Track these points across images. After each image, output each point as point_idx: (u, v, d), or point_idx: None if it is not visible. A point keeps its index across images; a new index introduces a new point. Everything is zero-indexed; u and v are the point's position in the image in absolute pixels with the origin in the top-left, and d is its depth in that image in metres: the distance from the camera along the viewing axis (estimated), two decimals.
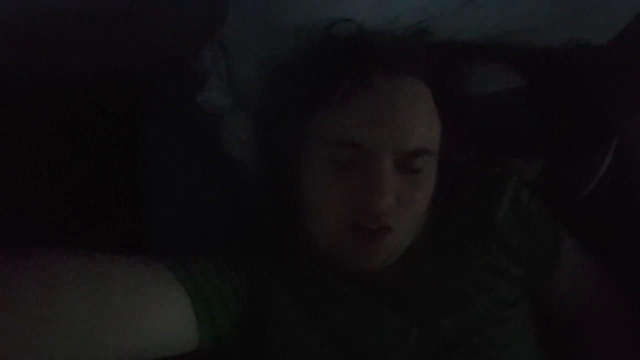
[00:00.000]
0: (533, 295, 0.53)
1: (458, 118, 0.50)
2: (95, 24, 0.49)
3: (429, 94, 0.48)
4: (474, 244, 0.53)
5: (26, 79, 0.51)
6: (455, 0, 0.51)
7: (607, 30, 0.57)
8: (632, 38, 0.57)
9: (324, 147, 0.47)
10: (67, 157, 0.56)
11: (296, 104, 0.49)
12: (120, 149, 0.58)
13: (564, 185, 0.60)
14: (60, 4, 0.48)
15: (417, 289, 0.50)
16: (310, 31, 0.49)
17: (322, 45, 0.50)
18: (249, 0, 0.51)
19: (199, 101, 0.57)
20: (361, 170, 0.45)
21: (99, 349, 0.36)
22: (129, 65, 0.54)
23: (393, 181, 0.45)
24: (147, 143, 0.57)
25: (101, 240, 0.39)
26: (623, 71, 0.59)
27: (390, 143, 0.45)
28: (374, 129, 0.45)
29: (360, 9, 0.48)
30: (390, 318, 0.48)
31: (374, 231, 0.46)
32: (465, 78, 0.55)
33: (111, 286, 0.37)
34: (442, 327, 0.48)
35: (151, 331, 0.40)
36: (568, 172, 0.59)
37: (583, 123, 0.58)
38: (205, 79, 0.57)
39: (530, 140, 0.59)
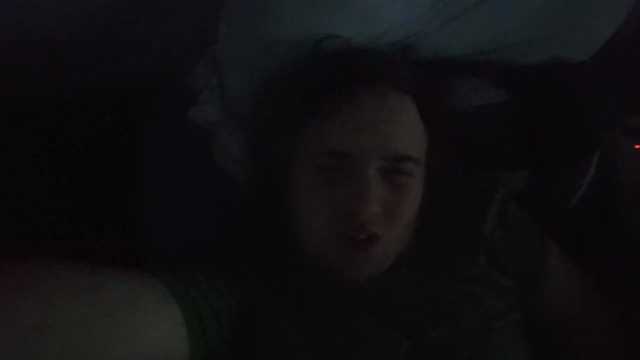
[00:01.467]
0: (522, 306, 0.54)
1: (443, 131, 0.51)
2: (89, 39, 0.50)
3: (414, 107, 0.49)
4: (462, 256, 0.54)
5: (18, 92, 0.52)
6: (440, 19, 0.52)
7: (587, 47, 0.59)
8: (611, 55, 0.59)
9: (311, 159, 0.48)
10: (59, 170, 0.56)
11: (285, 117, 0.50)
12: (113, 162, 0.58)
13: (549, 197, 0.61)
14: (55, 19, 0.48)
15: (407, 301, 0.50)
16: (299, 47, 0.50)
17: (311, 60, 0.51)
18: (239, 16, 0.52)
19: (191, 116, 0.58)
20: (347, 180, 0.46)
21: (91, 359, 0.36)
22: (122, 80, 0.55)
23: (378, 190, 0.46)
24: (139, 157, 0.57)
25: (95, 253, 0.39)
26: (604, 87, 0.60)
27: (375, 149, 0.46)
28: (359, 137, 0.46)
29: (348, 25, 0.49)
30: (381, 330, 0.48)
31: (362, 240, 0.47)
32: (450, 93, 0.56)
33: (104, 298, 0.38)
34: (432, 339, 0.48)
35: (143, 343, 0.39)
36: (553, 184, 0.60)
37: (566, 136, 0.59)
38: (198, 94, 0.58)
39: (515, 153, 0.60)
